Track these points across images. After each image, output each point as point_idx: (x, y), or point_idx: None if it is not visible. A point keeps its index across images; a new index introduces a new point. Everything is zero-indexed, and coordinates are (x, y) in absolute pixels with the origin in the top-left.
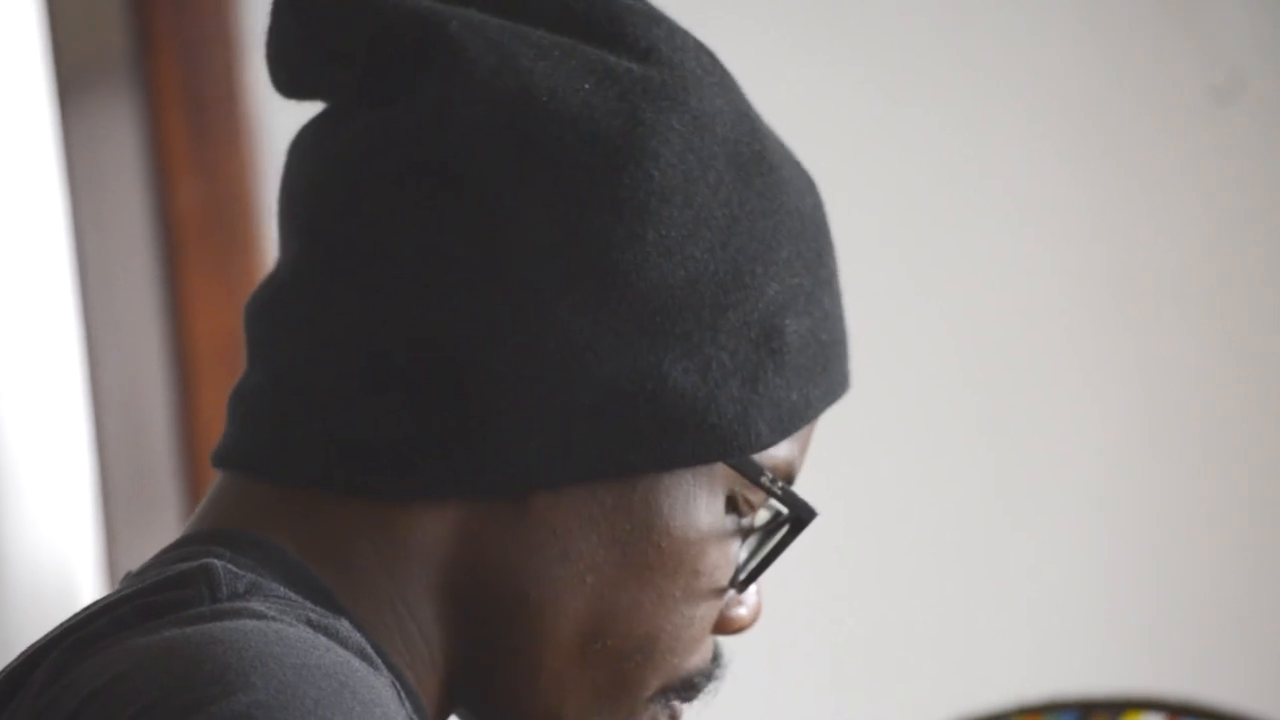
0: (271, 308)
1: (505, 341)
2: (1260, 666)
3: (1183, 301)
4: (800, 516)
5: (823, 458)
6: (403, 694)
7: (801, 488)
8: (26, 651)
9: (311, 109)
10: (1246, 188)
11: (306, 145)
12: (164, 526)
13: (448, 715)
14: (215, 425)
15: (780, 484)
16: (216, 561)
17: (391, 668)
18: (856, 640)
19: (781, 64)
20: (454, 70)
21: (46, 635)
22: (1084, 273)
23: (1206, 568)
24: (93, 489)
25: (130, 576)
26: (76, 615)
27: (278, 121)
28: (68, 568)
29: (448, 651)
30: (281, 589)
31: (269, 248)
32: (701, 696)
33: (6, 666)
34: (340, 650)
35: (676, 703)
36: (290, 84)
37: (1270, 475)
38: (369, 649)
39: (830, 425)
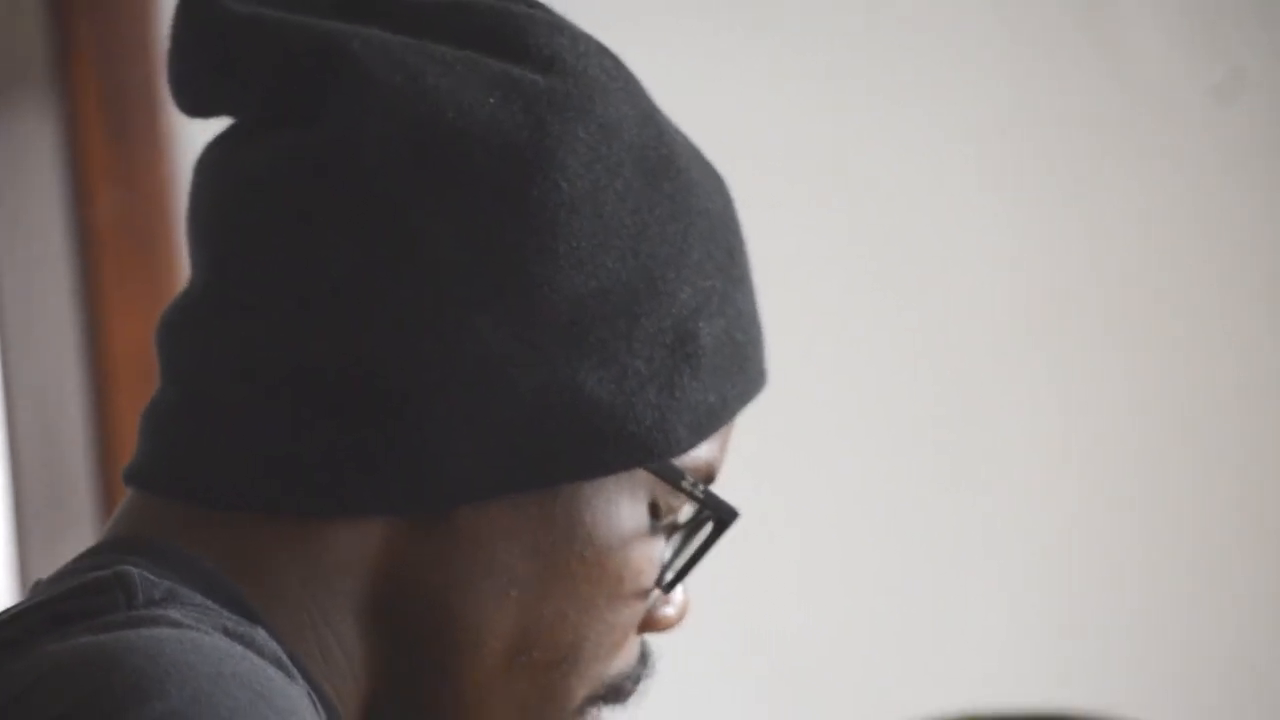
0: (184, 326)
1: (424, 358)
2: (1206, 675)
3: (1183, 301)
4: (722, 518)
5: (787, 460)
6: (319, 706)
7: (760, 490)
8: None
9: (227, 122)
10: (1246, 188)
11: (213, 162)
12: (78, 536)
13: None
14: (131, 435)
15: (701, 487)
16: (133, 569)
17: (309, 680)
18: (801, 645)
19: (769, 63)
20: (359, 90)
21: None
22: (1081, 272)
23: (1170, 575)
24: (6, 498)
25: (41, 585)
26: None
27: (198, 133)
28: None
29: (370, 666)
30: (199, 597)
31: (187, 261)
32: (631, 699)
33: None
34: (256, 659)
35: (603, 706)
36: (194, 105)
37: (1245, 477)
38: (285, 659)
39: (797, 427)
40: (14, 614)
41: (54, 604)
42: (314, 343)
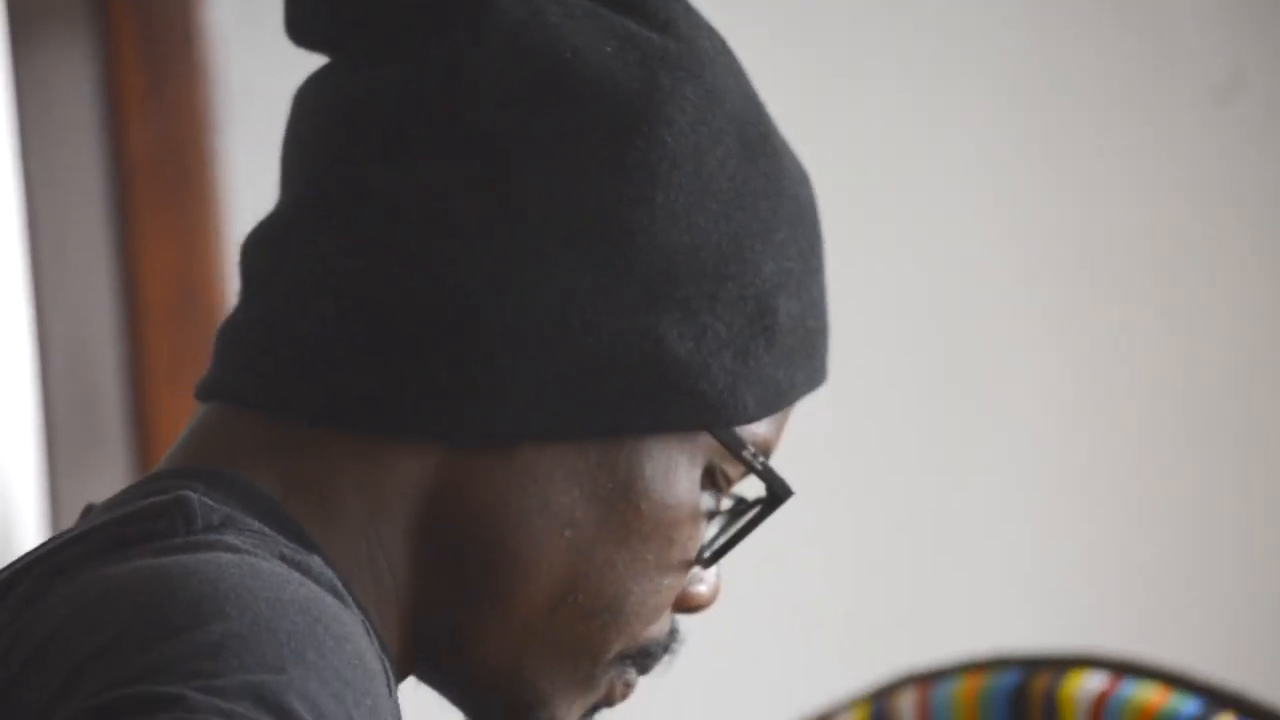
0: (270, 245)
1: (506, 292)
2: (1208, 629)
3: (1183, 300)
4: (777, 494)
5: (807, 433)
6: (371, 632)
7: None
8: None
9: (271, 58)
10: (1246, 188)
11: (315, 90)
12: (109, 467)
13: (408, 659)
14: (163, 366)
15: (761, 459)
16: (191, 494)
17: (359, 606)
18: (803, 597)
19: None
20: (482, 18)
21: (12, 564)
22: (1081, 271)
23: (1154, 532)
24: (37, 428)
25: (95, 510)
26: (46, 544)
27: (234, 65)
28: (10, 507)
29: (417, 594)
30: (256, 523)
31: (222, 191)
32: (656, 668)
33: None
34: (313, 586)
35: (633, 671)
36: (308, 30)
37: (1232, 449)
38: (339, 585)
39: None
40: (72, 537)
41: (114, 527)
42: (399, 264)
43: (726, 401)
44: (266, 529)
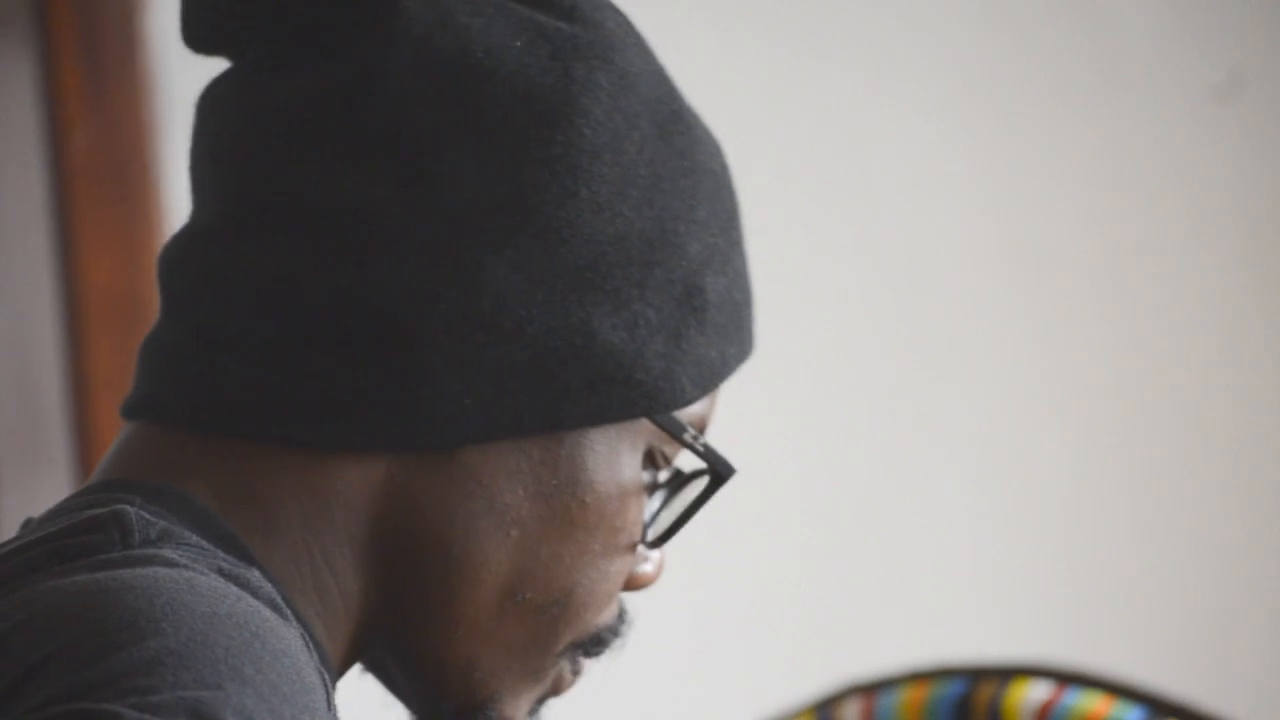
0: (191, 258)
1: (440, 296)
2: (1153, 637)
3: (1182, 300)
4: (720, 472)
5: (740, 422)
6: (311, 645)
7: (754, 447)
8: None
9: (213, 66)
10: (1245, 188)
11: (225, 98)
12: (51, 476)
13: (354, 664)
14: (106, 373)
15: (702, 440)
16: (129, 508)
17: (301, 619)
18: (746, 605)
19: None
20: (393, 26)
21: None
22: (1081, 271)
23: (1127, 540)
24: None
25: (31, 523)
26: None
27: (175, 71)
28: None
29: (364, 603)
30: (194, 537)
31: (164, 197)
32: (607, 653)
33: None
34: (251, 600)
35: (582, 658)
36: (204, 38)
37: (1208, 453)
38: (279, 600)
39: (751, 393)
40: (10, 550)
41: (48, 541)
42: (328, 275)
43: (663, 387)
44: (205, 543)
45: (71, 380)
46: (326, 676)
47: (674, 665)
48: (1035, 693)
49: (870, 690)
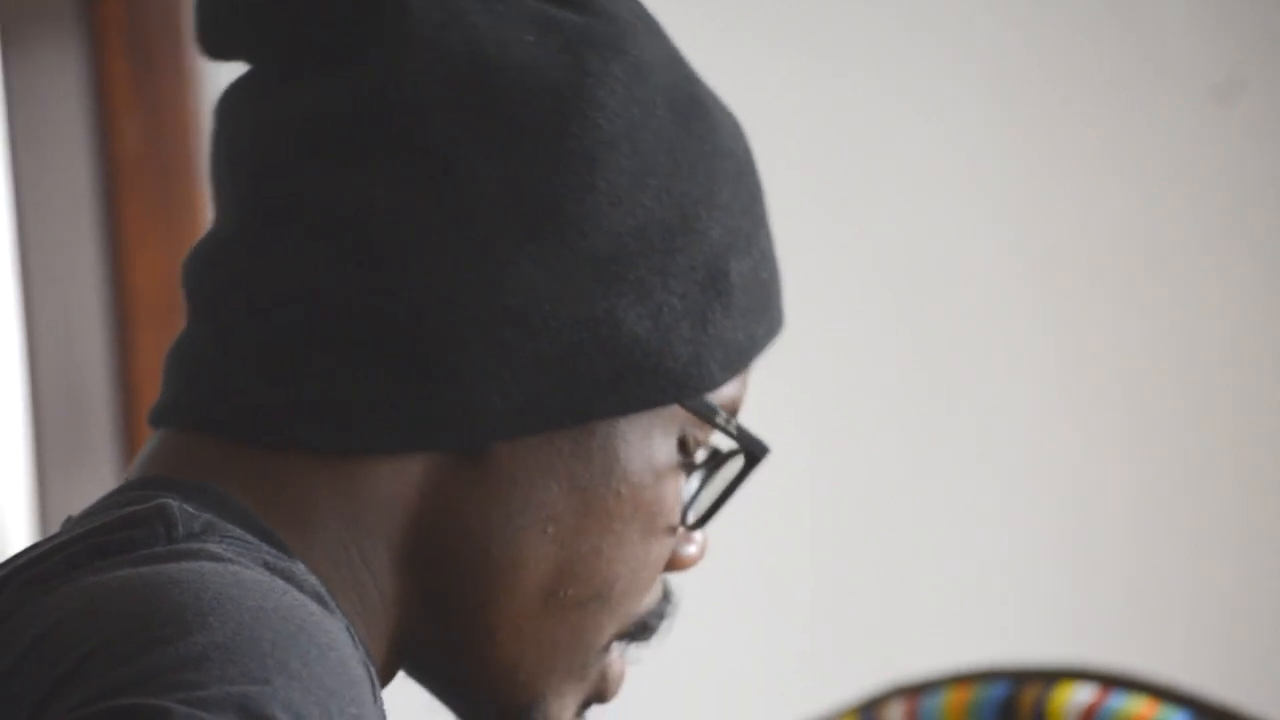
0: (216, 265)
1: (464, 295)
2: (1198, 640)
3: (1182, 299)
4: (754, 453)
5: (762, 425)
6: (355, 639)
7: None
8: None
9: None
10: (1245, 188)
11: (242, 104)
12: (97, 473)
13: (394, 670)
14: (151, 370)
15: (735, 422)
16: (171, 502)
17: (343, 614)
18: (790, 609)
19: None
20: (401, 27)
21: None
22: (1081, 271)
23: (1137, 540)
24: (26, 433)
25: (71, 521)
26: (24, 554)
27: (223, 68)
28: None
29: (402, 603)
30: (237, 530)
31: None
32: (656, 636)
33: None
34: (297, 594)
35: (628, 650)
36: (220, 45)
37: (1228, 453)
38: (324, 593)
39: (772, 401)
40: (52, 547)
41: (94, 536)
42: (350, 281)
43: (692, 372)
44: (248, 536)
45: (117, 377)
46: (372, 671)
47: (717, 667)
48: (1080, 696)
49: (914, 692)
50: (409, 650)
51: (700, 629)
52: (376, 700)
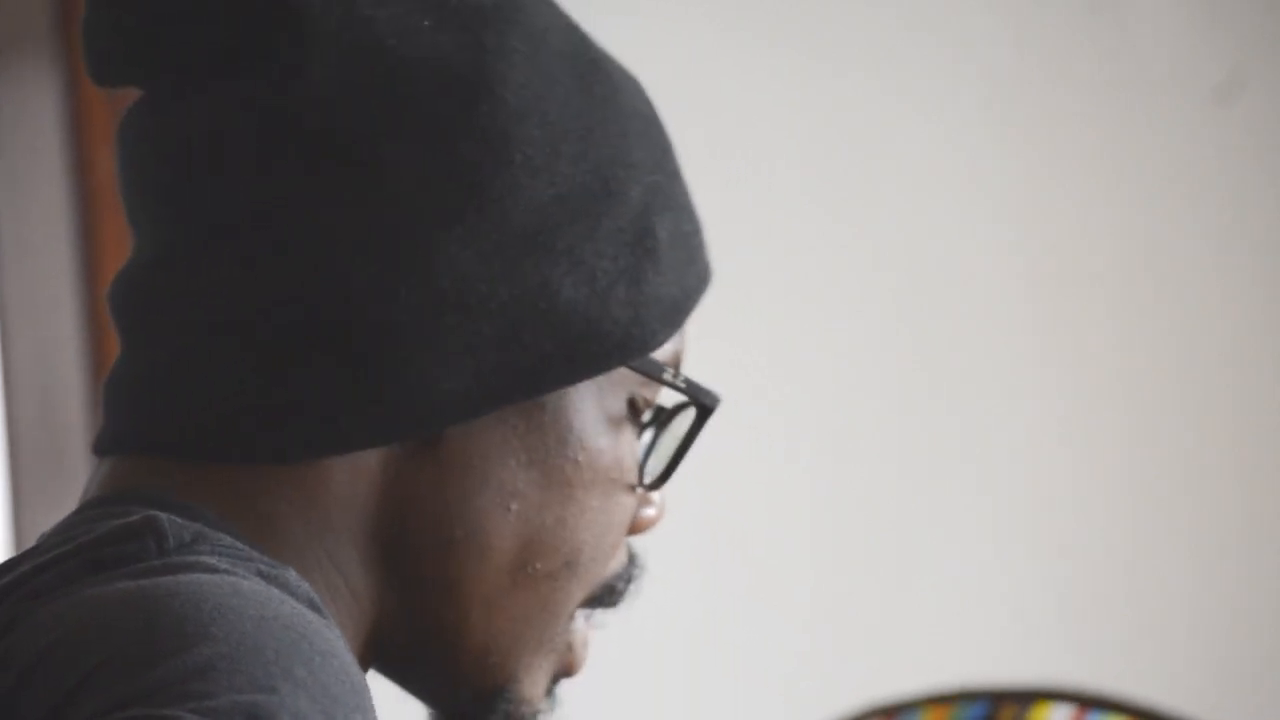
0: (144, 290)
1: (397, 288)
2: (1193, 644)
3: (1183, 299)
4: (705, 404)
5: (756, 432)
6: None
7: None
8: None
9: None
10: (1246, 188)
11: (143, 127)
12: (72, 489)
13: (368, 664)
14: None
15: (682, 376)
16: (160, 514)
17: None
18: (765, 628)
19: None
20: (299, 29)
21: None
22: (1081, 270)
23: (1136, 543)
24: (3, 458)
25: (46, 538)
26: (9, 569)
27: None
28: None
29: (375, 599)
30: (227, 539)
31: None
32: (624, 601)
33: None
34: (294, 602)
35: (598, 610)
36: (114, 71)
37: (1226, 463)
38: (316, 599)
39: (767, 403)
40: (44, 562)
41: (84, 551)
42: (283, 287)
43: (634, 333)
44: (238, 544)
45: (93, 400)
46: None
47: (695, 687)
48: (1056, 717)
49: (891, 713)
50: (382, 648)
51: (690, 634)
52: (372, 706)
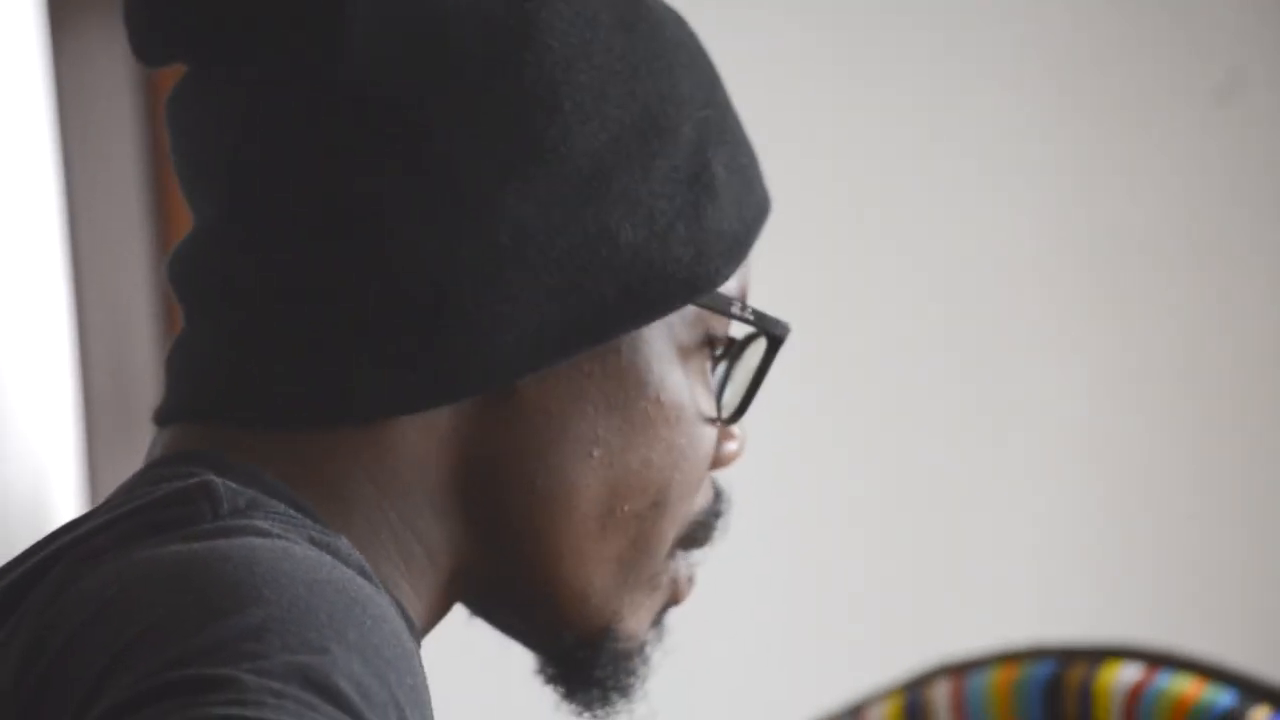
0: (204, 264)
1: (459, 245)
2: (1240, 618)
3: (1183, 299)
4: (775, 333)
5: (813, 409)
6: (401, 611)
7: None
8: (20, 564)
9: None
10: (1246, 188)
11: (192, 102)
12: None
13: (438, 618)
14: None
15: (750, 308)
16: (215, 478)
17: (387, 586)
18: (835, 590)
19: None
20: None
21: (38, 548)
22: (1079, 270)
23: (1186, 520)
24: (75, 412)
25: (109, 499)
26: (71, 528)
27: None
28: (48, 489)
29: (456, 557)
30: (281, 506)
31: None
32: (716, 536)
33: (2, 578)
34: (344, 568)
35: (694, 554)
36: (159, 49)
37: (1238, 444)
38: (367, 567)
39: (815, 381)
40: (101, 522)
41: (142, 513)
42: (342, 252)
43: (697, 271)
44: (292, 511)
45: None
46: (416, 644)
47: (760, 649)
48: (1126, 674)
49: (960, 670)
50: (475, 595)
51: (748, 609)
52: (423, 673)
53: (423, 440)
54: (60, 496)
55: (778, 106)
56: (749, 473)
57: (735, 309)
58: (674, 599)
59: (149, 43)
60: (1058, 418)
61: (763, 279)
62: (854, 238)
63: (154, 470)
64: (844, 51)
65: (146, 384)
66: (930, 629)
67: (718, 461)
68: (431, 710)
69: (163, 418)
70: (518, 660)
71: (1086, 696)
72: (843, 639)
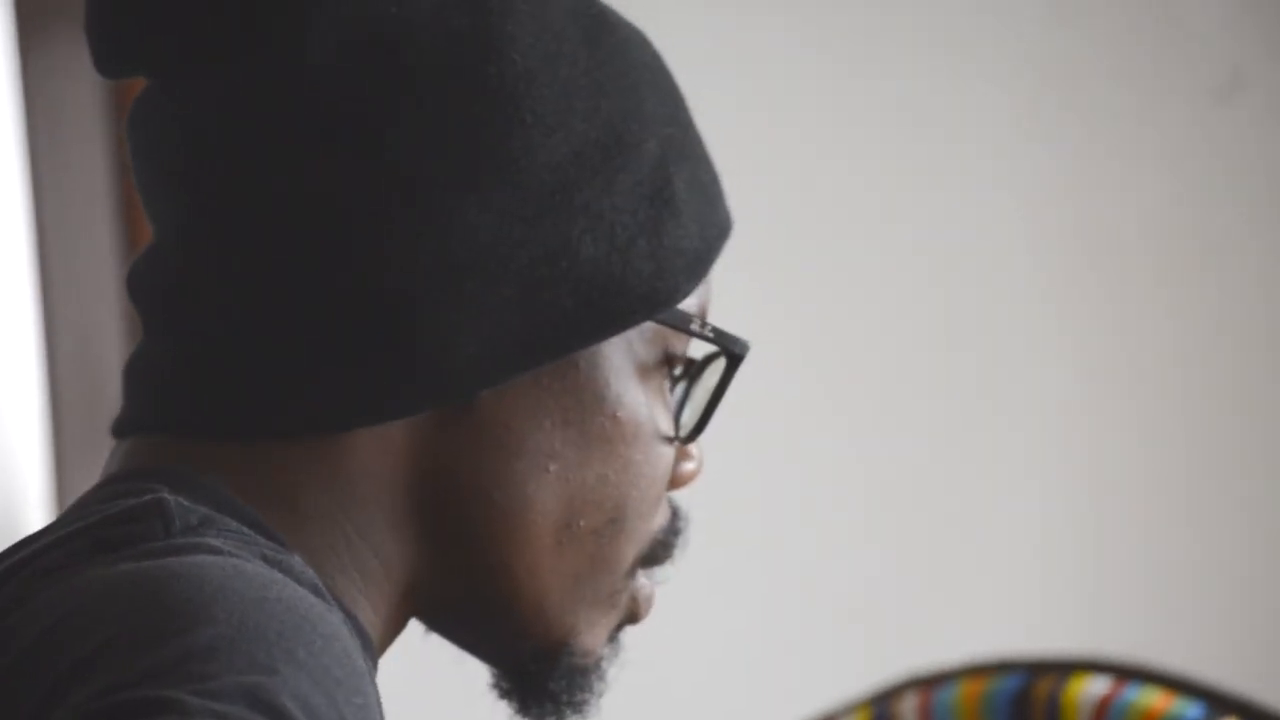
0: (163, 275)
1: (418, 255)
2: (1213, 632)
3: (1182, 299)
4: (734, 352)
5: (796, 412)
6: (353, 630)
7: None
8: None
9: None
10: (1246, 188)
11: (154, 115)
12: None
13: (396, 634)
14: None
15: (710, 326)
16: (167, 496)
17: (340, 602)
18: (804, 600)
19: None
20: (297, 7)
21: None
22: (1078, 270)
23: (1182, 521)
24: (44, 417)
25: (64, 513)
26: (24, 546)
27: None
28: (16, 496)
29: (413, 571)
30: (234, 523)
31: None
32: (675, 556)
33: None
34: (296, 586)
35: (655, 569)
36: (119, 63)
37: (1234, 448)
38: (320, 585)
39: (804, 381)
40: (55, 539)
41: (90, 532)
42: (306, 264)
43: (657, 286)
44: (244, 528)
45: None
46: (369, 662)
47: (730, 658)
48: (1094, 687)
49: (928, 684)
50: (430, 610)
51: (717, 619)
52: (375, 692)
53: (380, 452)
54: (29, 504)
55: (774, 106)
56: (736, 475)
57: (695, 326)
58: (633, 617)
59: (109, 55)
60: (1052, 419)
61: (757, 279)
62: (851, 238)
63: (108, 486)
64: (844, 51)
65: (115, 392)
66: (921, 633)
67: (675, 481)
68: None
69: (121, 429)
70: (474, 674)
71: (1055, 709)
72: (808, 651)
